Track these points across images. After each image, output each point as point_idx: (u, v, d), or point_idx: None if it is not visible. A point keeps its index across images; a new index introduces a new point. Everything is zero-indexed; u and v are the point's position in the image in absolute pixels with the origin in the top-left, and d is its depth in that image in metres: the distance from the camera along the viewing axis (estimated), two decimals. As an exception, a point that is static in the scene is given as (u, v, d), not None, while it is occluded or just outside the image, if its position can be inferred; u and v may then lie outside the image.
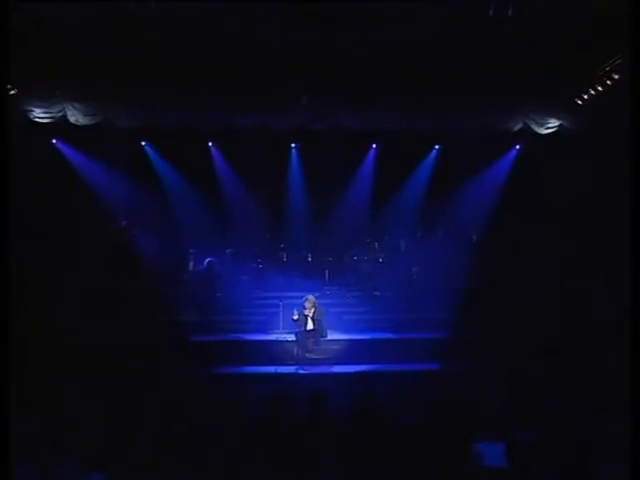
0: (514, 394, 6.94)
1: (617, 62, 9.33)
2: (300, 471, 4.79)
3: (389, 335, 10.76)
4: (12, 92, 9.45)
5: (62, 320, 9.67)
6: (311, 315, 9.97)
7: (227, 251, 12.55)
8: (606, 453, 4.91)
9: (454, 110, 10.74)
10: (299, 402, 5.80)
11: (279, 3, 8.44)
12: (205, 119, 11.02)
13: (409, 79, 10.09)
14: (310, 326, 9.95)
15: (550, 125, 11.13)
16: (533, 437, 5.43)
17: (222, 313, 11.30)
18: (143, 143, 12.62)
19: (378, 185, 13.14)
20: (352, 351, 10.10)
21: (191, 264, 12.35)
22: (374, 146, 13.16)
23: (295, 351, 9.91)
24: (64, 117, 10.52)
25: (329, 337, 10.19)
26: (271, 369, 9.55)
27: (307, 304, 10.04)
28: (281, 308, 10.96)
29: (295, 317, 9.89)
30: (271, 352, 10.07)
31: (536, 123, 11.10)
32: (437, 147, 13.04)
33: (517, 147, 12.52)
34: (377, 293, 12.40)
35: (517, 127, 11.21)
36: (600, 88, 10.03)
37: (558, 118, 11.06)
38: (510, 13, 8.33)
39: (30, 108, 10.29)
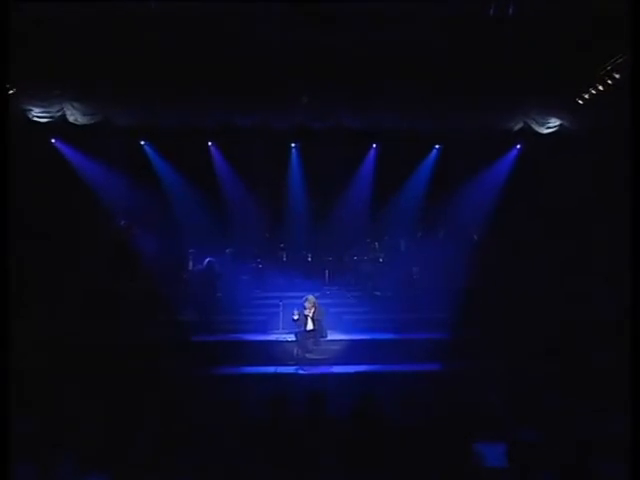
0: (514, 394, 6.95)
1: (618, 61, 9.31)
2: (300, 471, 4.80)
3: (389, 335, 10.75)
4: (11, 91, 9.43)
5: (62, 320, 9.67)
6: (311, 315, 9.97)
7: (227, 251, 12.55)
8: (606, 453, 4.92)
9: (454, 110, 10.72)
10: (299, 402, 5.81)
11: (279, 3, 8.42)
12: (205, 119, 11.02)
13: (409, 79, 10.07)
14: (310, 326, 9.95)
15: (551, 125, 11.11)
16: (533, 437, 5.44)
17: (222, 313, 11.30)
18: (142, 142, 12.61)
19: (378, 185, 13.13)
20: (352, 351, 10.09)
21: (191, 264, 12.34)
22: (374, 146, 13.16)
23: (295, 351, 9.91)
24: (63, 116, 10.50)
25: (329, 337, 10.19)
26: (271, 369, 9.55)
27: (307, 304, 10.03)
28: (281, 308, 10.96)
29: (295, 317, 9.89)
30: (271, 352, 10.07)
31: (537, 123, 11.08)
32: (437, 147, 13.03)
33: (518, 147, 12.51)
34: (377, 293, 12.40)
35: (518, 127, 11.20)
36: (601, 87, 9.99)
37: (559, 118, 11.04)
38: (511, 12, 8.31)
39: (29, 107, 10.27)
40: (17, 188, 7.51)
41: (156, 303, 10.44)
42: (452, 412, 5.85)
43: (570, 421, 6.09)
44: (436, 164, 13.07)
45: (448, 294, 10.75)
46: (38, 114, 10.37)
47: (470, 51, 9.54)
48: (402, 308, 11.49)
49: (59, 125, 10.74)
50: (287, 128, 11.43)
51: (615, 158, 9.09)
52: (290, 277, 12.64)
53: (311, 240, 13.37)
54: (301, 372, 9.54)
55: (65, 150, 11.85)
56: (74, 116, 10.53)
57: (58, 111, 10.42)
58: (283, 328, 10.77)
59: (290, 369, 9.65)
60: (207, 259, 11.55)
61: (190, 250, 12.39)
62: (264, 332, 10.96)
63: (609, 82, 9.76)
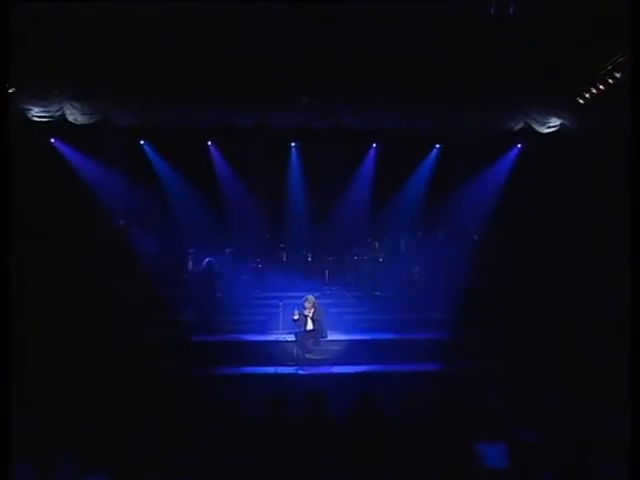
0: (514, 394, 6.94)
1: (619, 60, 9.30)
2: (300, 471, 4.79)
3: (389, 335, 10.74)
4: (10, 91, 9.42)
5: (62, 320, 9.67)
6: (311, 315, 9.95)
7: (226, 251, 12.54)
8: (606, 453, 4.92)
9: (454, 110, 10.72)
10: (299, 402, 5.80)
11: (279, 3, 8.42)
12: (204, 118, 11.00)
13: (409, 79, 10.07)
14: (310, 326, 9.94)
15: (551, 124, 11.10)
16: (533, 437, 5.44)
17: (222, 313, 11.29)
18: (142, 142, 12.59)
19: (378, 184, 13.12)
20: (352, 351, 10.09)
21: (190, 264, 12.32)
22: (374, 145, 13.15)
23: (295, 351, 9.90)
24: (62, 116, 10.49)
25: (329, 337, 10.17)
26: (271, 369, 9.54)
27: (307, 304, 10.02)
28: (281, 308, 10.95)
29: (295, 317, 9.87)
30: (271, 352, 10.06)
31: (537, 122, 11.07)
32: (437, 146, 13.02)
33: (518, 146, 12.49)
34: (377, 293, 12.38)
35: (518, 126, 11.18)
36: (602, 87, 9.99)
37: (559, 117, 11.04)
38: (511, 11, 8.31)
39: (28, 107, 10.27)
40: (16, 188, 7.51)
41: (156, 303, 10.43)
42: (452, 412, 5.85)
43: (570, 421, 6.08)
44: (436, 164, 13.05)
45: (448, 294, 10.74)
46: (37, 114, 10.36)
47: (470, 51, 9.54)
48: (402, 308, 11.47)
49: (58, 125, 10.73)
50: (287, 128, 11.41)
51: (616, 158, 9.09)
52: (290, 277, 12.63)
53: (311, 240, 13.36)
54: (301, 372, 9.53)
55: (64, 150, 11.84)
56: (73, 116, 10.52)
57: (57, 111, 10.42)
58: (283, 328, 10.76)
59: (290, 369, 9.64)
60: (207, 259, 11.54)
61: (190, 250, 12.37)
62: (264, 332, 10.95)
63: (610, 81, 9.75)
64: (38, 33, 8.72)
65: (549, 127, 11.12)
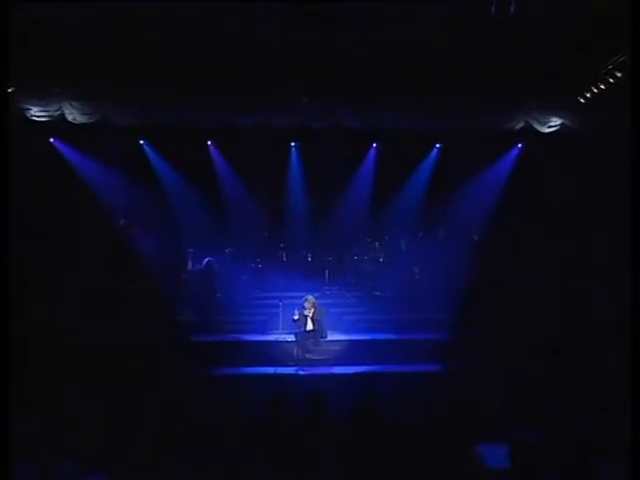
0: (514, 394, 6.94)
1: (620, 60, 9.29)
2: (300, 472, 4.79)
3: (389, 336, 10.73)
4: (9, 90, 9.40)
5: (62, 320, 9.66)
6: (311, 315, 9.95)
7: (226, 251, 12.54)
8: (606, 453, 4.92)
9: (455, 110, 10.71)
10: (299, 403, 5.80)
11: (279, 3, 8.41)
12: (204, 118, 10.99)
13: (409, 79, 10.07)
14: (310, 326, 9.93)
15: (552, 124, 11.09)
16: (533, 437, 5.44)
17: (221, 313, 11.28)
18: (141, 142, 12.57)
19: (378, 184, 13.11)
20: (352, 352, 10.08)
21: (190, 264, 12.32)
22: (374, 145, 13.14)
23: (295, 352, 9.89)
24: (62, 115, 10.47)
25: (329, 338, 10.17)
26: (271, 370, 9.54)
27: (307, 304, 10.01)
28: (281, 308, 10.94)
29: (295, 317, 9.87)
30: (271, 353, 10.05)
31: (538, 122, 11.05)
32: (438, 146, 13.01)
33: (519, 146, 12.47)
34: (377, 293, 12.38)
35: (519, 126, 11.17)
36: (603, 86, 9.98)
37: (560, 117, 11.03)
38: (512, 11, 8.30)
39: (27, 106, 10.25)
40: (15, 188, 7.50)
41: (155, 303, 10.42)
42: (452, 412, 5.86)
43: (570, 421, 6.09)
44: (436, 164, 13.04)
45: (448, 294, 10.74)
46: (36, 113, 10.34)
47: (470, 51, 9.53)
48: (402, 308, 11.48)
49: (58, 124, 10.71)
50: (287, 127, 11.41)
51: (617, 157, 9.08)
52: (290, 277, 12.62)
53: (311, 240, 13.36)
54: (301, 373, 9.52)
55: (64, 149, 11.82)
56: (73, 115, 10.51)
57: (57, 110, 10.39)
58: (283, 328, 10.76)
59: (290, 370, 9.63)
60: (206, 259, 11.54)
61: (189, 250, 12.37)
62: (264, 332, 10.95)
63: (611, 81, 9.74)
64: (38, 33, 8.71)
65: (550, 127, 11.11)
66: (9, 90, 9.20)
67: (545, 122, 11.07)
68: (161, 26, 8.83)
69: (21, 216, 8.82)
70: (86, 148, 11.84)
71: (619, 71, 9.47)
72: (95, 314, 9.93)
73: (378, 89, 10.27)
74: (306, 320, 9.93)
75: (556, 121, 11.08)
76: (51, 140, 11.72)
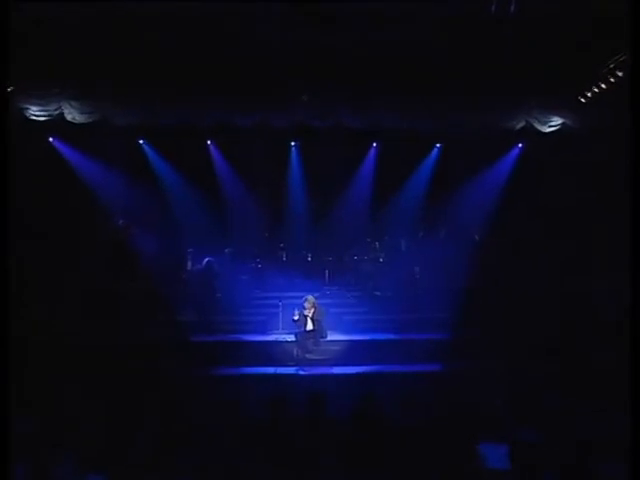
0: (514, 394, 6.95)
1: (621, 59, 9.29)
2: (300, 472, 4.79)
3: (389, 336, 10.72)
4: (8, 89, 9.39)
5: (62, 320, 9.66)
6: (310, 315, 9.94)
7: (226, 250, 12.54)
8: (606, 453, 4.92)
9: (455, 109, 10.69)
10: (299, 403, 5.80)
11: (279, 3, 8.42)
12: (204, 117, 10.99)
13: (409, 79, 10.07)
14: (310, 326, 9.92)
15: (553, 123, 11.08)
16: (533, 437, 5.44)
17: (221, 313, 11.26)
18: (141, 141, 12.55)
19: (378, 184, 13.10)
20: (352, 352, 10.07)
21: (190, 264, 12.31)
22: (374, 145, 13.12)
23: (295, 352, 9.88)
24: (61, 115, 10.46)
25: (329, 338, 10.16)
26: (271, 370, 9.53)
27: (306, 304, 10.00)
28: (280, 308, 10.93)
29: (295, 317, 9.86)
30: (271, 353, 10.04)
31: (539, 121, 11.03)
32: (438, 146, 12.99)
33: (519, 145, 12.45)
34: (377, 293, 12.36)
35: (519, 125, 11.16)
36: (604, 86, 9.97)
37: (561, 116, 11.02)
38: (512, 10, 8.30)
39: (26, 106, 10.23)
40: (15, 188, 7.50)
41: (155, 303, 10.42)
42: (452, 412, 5.86)
43: (570, 421, 6.09)
44: (437, 163, 13.03)
45: (449, 294, 10.73)
46: (35, 112, 10.32)
47: (470, 51, 9.53)
48: (402, 308, 11.45)
49: (57, 124, 10.69)
50: (287, 127, 11.39)
51: (617, 157, 9.08)
52: (290, 277, 12.60)
53: (311, 240, 13.34)
54: (301, 373, 9.51)
55: (63, 149, 11.80)
56: (72, 115, 10.49)
57: (56, 109, 10.37)
58: (283, 328, 10.75)
59: (290, 370, 9.61)
60: (206, 259, 11.53)
61: (189, 250, 12.36)
62: (264, 332, 10.93)
63: (612, 80, 9.73)
64: (38, 33, 8.71)
65: (550, 126, 11.10)
66: (7, 87, 9.20)
67: (546, 122, 11.06)
68: (161, 26, 8.83)
69: (20, 216, 8.81)
70: (85, 148, 11.82)
71: (620, 70, 9.46)
72: (95, 314, 9.93)
73: (378, 89, 10.26)
74: (306, 320, 9.92)
75: (557, 121, 11.06)
76: (50, 140, 11.70)
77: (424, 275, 11.81)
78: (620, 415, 5.14)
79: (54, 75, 9.80)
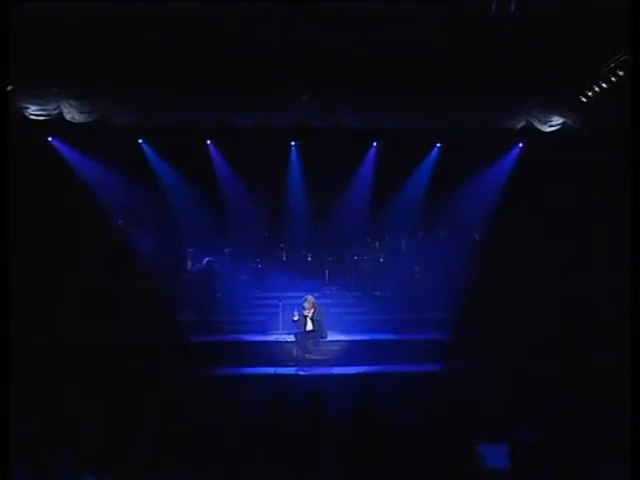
0: (514, 394, 6.94)
1: (622, 59, 9.28)
2: (300, 472, 4.79)
3: (390, 336, 10.70)
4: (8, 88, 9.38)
5: (62, 320, 9.65)
6: (310, 315, 9.91)
7: (226, 250, 12.53)
8: (606, 453, 4.92)
9: (455, 109, 10.69)
10: (299, 403, 5.80)
11: (279, 3, 8.42)
12: (204, 117, 10.98)
13: (410, 79, 10.07)
14: (309, 327, 9.90)
15: (554, 123, 11.08)
16: (533, 437, 5.44)
17: (221, 313, 11.26)
18: (140, 141, 12.51)
19: (379, 184, 13.08)
20: (352, 352, 10.05)
21: (189, 264, 12.30)
22: (374, 144, 13.10)
23: (295, 352, 9.86)
24: (60, 114, 10.45)
25: (329, 338, 10.14)
26: (270, 370, 9.51)
27: (306, 304, 9.98)
28: (280, 308, 10.91)
29: (295, 318, 9.83)
30: (270, 353, 10.02)
31: (539, 121, 11.03)
32: (438, 146, 12.96)
33: (520, 145, 12.43)
34: (378, 293, 12.35)
35: (520, 125, 11.15)
36: (605, 85, 9.97)
37: (562, 116, 11.02)
38: (512, 9, 8.30)
39: (25, 105, 10.22)
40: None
41: (155, 303, 10.40)
42: (452, 412, 5.86)
43: (570, 421, 6.09)
44: (437, 163, 13.00)
45: (449, 294, 10.71)
46: (35, 112, 10.32)
47: (470, 51, 9.54)
48: (402, 308, 11.43)
49: (56, 123, 10.68)
50: (287, 126, 11.38)
51: (618, 157, 9.08)
52: (290, 277, 12.58)
53: (311, 240, 13.33)
54: (301, 373, 9.49)
55: (62, 148, 11.78)
56: (71, 114, 10.48)
57: (55, 109, 10.37)
58: (283, 328, 10.74)
59: (290, 370, 9.60)
60: (206, 259, 11.52)
61: (189, 250, 12.35)
62: (264, 332, 10.92)
63: (613, 79, 9.72)
64: (38, 33, 8.71)
65: (551, 126, 11.10)
66: (7, 88, 9.20)
67: (546, 121, 11.05)
68: (161, 26, 8.83)
69: (20, 216, 8.80)
70: (85, 147, 11.79)
71: (621, 70, 9.45)
72: (95, 314, 9.92)
73: (378, 89, 10.26)
74: (306, 320, 9.91)
75: (557, 120, 11.06)
76: (49, 139, 11.68)
77: (424, 275, 11.79)
78: (620, 415, 5.15)
79: (53, 75, 9.81)
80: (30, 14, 8.05)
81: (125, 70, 9.79)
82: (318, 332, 9.90)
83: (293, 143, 13.19)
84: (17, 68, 8.21)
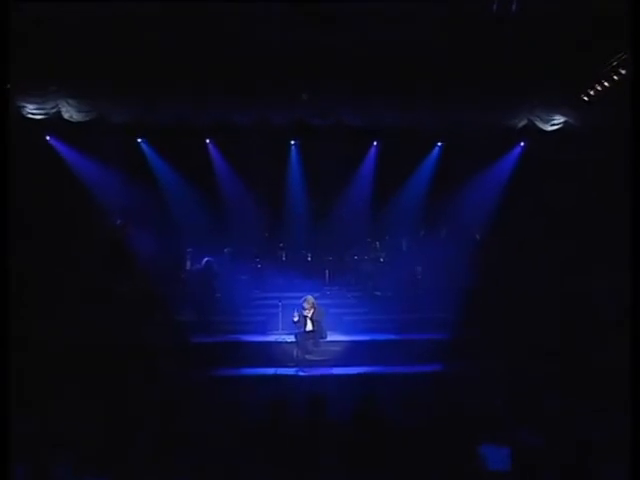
0: (514, 394, 6.95)
1: (624, 57, 9.27)
2: (300, 473, 4.79)
3: (390, 336, 10.66)
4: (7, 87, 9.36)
5: (62, 320, 9.63)
6: (310, 316, 9.88)
7: (225, 250, 12.50)
8: (606, 453, 4.93)
9: (457, 108, 10.68)
10: (299, 404, 5.80)
11: (279, 3, 8.43)
12: (203, 116, 10.94)
13: (410, 79, 10.08)
14: (309, 327, 9.88)
15: (555, 121, 11.07)
16: (533, 438, 5.45)
17: (220, 314, 11.22)
18: (139, 140, 12.47)
19: (379, 183, 13.04)
20: (352, 352, 10.02)
21: (188, 263, 12.26)
22: (375, 143, 13.07)
23: (295, 352, 9.82)
24: (58, 113, 10.42)
25: (329, 338, 10.11)
26: (270, 371, 9.46)
27: (306, 305, 9.93)
28: (280, 309, 10.88)
29: (295, 319, 9.80)
30: (270, 353, 9.97)
31: (541, 120, 11.03)
32: (439, 144, 12.93)
33: (521, 144, 12.39)
34: (378, 293, 12.32)
35: (522, 124, 11.14)
36: (606, 84, 9.95)
37: (563, 114, 11.01)
38: (514, 8, 8.30)
39: (23, 104, 10.19)
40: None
41: (154, 303, 10.38)
42: (453, 413, 5.86)
43: (570, 421, 6.10)
44: (438, 162, 12.96)
45: (449, 294, 10.69)
46: (32, 111, 10.29)
47: (470, 50, 9.55)
48: (403, 308, 11.42)
49: (54, 122, 10.65)
50: (286, 125, 11.33)
51: (620, 156, 9.08)
52: (290, 277, 12.52)
53: (311, 239, 13.30)
54: (301, 374, 9.43)
55: (60, 147, 11.73)
56: (69, 113, 10.45)
57: (53, 108, 10.34)
58: (282, 329, 10.71)
59: (290, 371, 9.54)
60: (205, 259, 11.49)
61: (188, 249, 12.31)
62: (263, 333, 10.89)
63: (615, 78, 9.70)
64: (38, 33, 8.70)
65: (553, 124, 11.08)
66: (7, 87, 9.19)
67: (548, 120, 11.04)
68: (161, 26, 8.83)
69: (18, 215, 8.80)
70: (83, 146, 11.72)
71: (623, 68, 9.44)
72: (94, 314, 9.89)
73: (378, 88, 10.27)
74: (305, 320, 9.88)
75: (559, 119, 11.05)
76: (47, 138, 11.63)
77: (426, 275, 11.77)
78: (620, 415, 5.15)
79: (53, 74, 9.80)
80: (30, 14, 8.05)
81: (124, 69, 9.79)
82: (318, 332, 9.87)
83: (293, 142, 13.15)
84: (16, 67, 8.18)
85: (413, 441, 5.09)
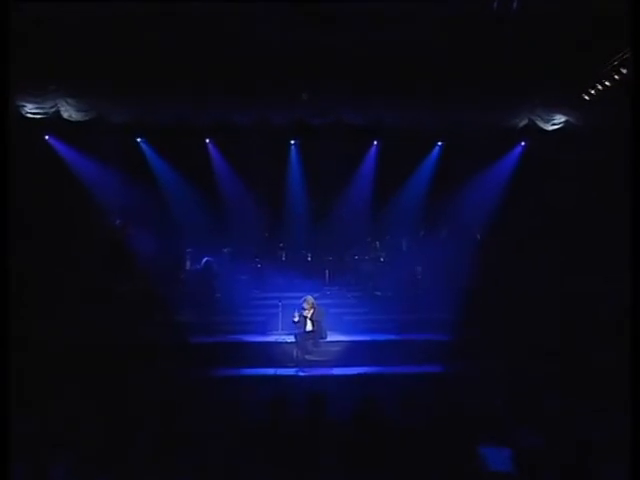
0: (514, 395, 6.94)
1: (625, 57, 9.27)
2: (300, 473, 4.79)
3: (390, 336, 10.64)
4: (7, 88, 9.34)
5: (62, 320, 9.63)
6: (310, 316, 9.88)
7: (225, 250, 12.51)
8: (606, 453, 4.93)
9: (457, 108, 10.66)
10: (299, 404, 5.79)
11: (279, 3, 8.43)
12: (203, 116, 10.93)
13: (410, 79, 10.07)
14: (309, 327, 9.87)
15: (556, 121, 11.06)
16: (533, 438, 5.44)
17: (220, 314, 11.23)
18: (138, 139, 12.46)
19: (379, 183, 13.03)
20: (352, 353, 10.01)
21: (188, 264, 12.27)
22: (375, 143, 13.06)
23: (295, 353, 9.82)
24: (57, 113, 10.41)
25: (329, 338, 10.11)
26: (270, 371, 9.47)
27: (306, 305, 9.93)
28: (280, 309, 10.88)
29: (295, 319, 9.79)
30: (270, 354, 9.96)
31: (542, 119, 11.02)
32: (440, 144, 12.92)
33: (522, 144, 12.37)
34: (378, 293, 12.31)
35: (522, 123, 11.13)
36: (607, 83, 9.95)
37: (564, 114, 11.00)
38: (514, 7, 8.30)
39: (22, 103, 10.17)
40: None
41: (153, 303, 10.38)
42: (453, 413, 5.86)
43: (570, 421, 6.10)
44: (438, 162, 12.95)
45: (449, 294, 10.68)
46: (32, 110, 10.27)
47: (471, 50, 9.55)
48: (403, 309, 11.42)
49: (53, 121, 10.62)
50: (286, 124, 11.32)
51: (620, 156, 9.07)
52: (289, 277, 12.51)
53: (311, 239, 13.29)
54: (301, 374, 9.43)
55: (59, 147, 11.70)
56: (68, 112, 10.43)
57: (52, 107, 10.32)
58: (282, 329, 10.71)
59: (290, 371, 9.54)
60: (205, 259, 11.51)
61: (187, 249, 12.32)
62: (263, 333, 10.89)
63: (616, 77, 9.70)
64: (38, 33, 8.69)
65: (554, 124, 11.07)
66: (7, 87, 9.17)
67: (549, 119, 11.03)
68: (161, 26, 8.82)
69: (17, 215, 8.79)
70: (82, 146, 11.70)
71: (624, 67, 9.43)
72: (94, 314, 9.89)
73: (378, 88, 10.26)
74: (305, 321, 9.88)
75: (560, 118, 11.04)
76: (46, 137, 11.61)
77: (426, 275, 11.77)
78: (620, 415, 5.15)
79: (52, 73, 9.79)
80: (30, 14, 8.04)
81: (123, 69, 9.78)
82: (318, 333, 9.87)
83: (293, 142, 13.14)
84: (15, 67, 8.17)
85: (413, 441, 5.09)
